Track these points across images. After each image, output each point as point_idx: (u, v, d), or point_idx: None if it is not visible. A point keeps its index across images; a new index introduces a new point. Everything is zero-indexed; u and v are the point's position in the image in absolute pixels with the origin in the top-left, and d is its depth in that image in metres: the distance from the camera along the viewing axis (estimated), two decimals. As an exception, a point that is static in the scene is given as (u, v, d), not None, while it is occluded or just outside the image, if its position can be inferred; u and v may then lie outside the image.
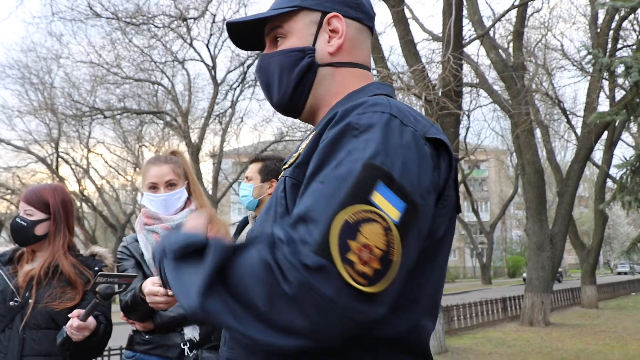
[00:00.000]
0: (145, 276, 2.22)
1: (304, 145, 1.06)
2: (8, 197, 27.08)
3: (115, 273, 2.09)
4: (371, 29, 1.22)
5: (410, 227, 0.88)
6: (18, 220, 2.27)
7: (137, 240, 2.32)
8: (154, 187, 2.30)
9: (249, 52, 19.55)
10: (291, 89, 1.16)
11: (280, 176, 1.10)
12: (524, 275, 18.22)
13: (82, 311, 2.03)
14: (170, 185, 2.31)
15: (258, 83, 1.27)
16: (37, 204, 2.29)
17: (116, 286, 1.99)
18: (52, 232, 2.31)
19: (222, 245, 0.87)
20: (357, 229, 0.84)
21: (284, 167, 1.10)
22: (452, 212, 1.04)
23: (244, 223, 2.78)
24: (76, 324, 2.01)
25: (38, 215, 2.29)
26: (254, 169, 2.70)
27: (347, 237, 0.83)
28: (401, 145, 0.92)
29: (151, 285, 2.00)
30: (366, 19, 1.20)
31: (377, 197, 0.86)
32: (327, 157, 0.93)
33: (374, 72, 9.32)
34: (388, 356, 0.96)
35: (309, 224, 0.85)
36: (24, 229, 2.27)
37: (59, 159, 25.32)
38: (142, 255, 2.28)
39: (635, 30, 16.23)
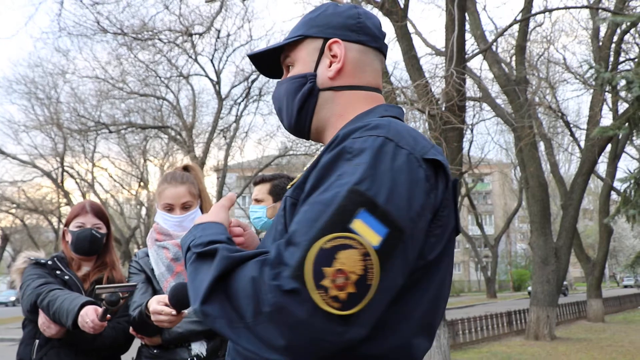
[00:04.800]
0: (155, 291, 2.26)
1: (308, 165, 1.12)
2: (13, 210, 27.18)
3: (112, 285, 2.16)
4: (379, 49, 1.24)
5: (393, 251, 0.92)
6: (95, 232, 2.53)
7: (148, 255, 2.35)
8: (169, 208, 2.34)
9: (253, 67, 19.67)
10: (295, 113, 1.23)
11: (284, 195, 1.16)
12: (529, 288, 18.11)
13: (100, 310, 2.10)
14: (185, 207, 2.34)
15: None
16: (103, 219, 2.58)
17: (120, 294, 2.05)
18: (111, 245, 2.64)
19: (227, 256, 0.95)
20: (332, 256, 0.88)
21: (288, 187, 1.16)
22: (450, 234, 1.06)
23: None
24: (99, 325, 2.08)
25: (104, 229, 2.59)
26: (262, 190, 2.69)
27: (322, 264, 0.88)
28: (391, 170, 0.95)
29: (156, 304, 2.02)
30: (371, 40, 1.22)
31: (357, 224, 0.90)
32: (320, 180, 0.99)
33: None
34: None
35: (291, 247, 0.91)
36: (99, 240, 2.55)
37: (64, 173, 25.45)
38: (152, 270, 2.31)
39: (637, 44, 16.30)
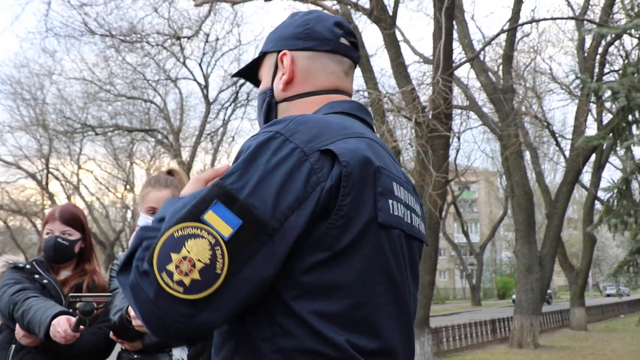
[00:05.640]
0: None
1: None
2: (-4, 212, 26.80)
3: (88, 294, 2.16)
4: (334, 50, 1.23)
5: (249, 243, 0.94)
6: (60, 240, 2.43)
7: None
8: (152, 211, 2.32)
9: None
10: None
11: None
12: (514, 296, 18.26)
13: (73, 320, 2.07)
14: None
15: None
16: (74, 225, 2.48)
17: (95, 304, 2.03)
18: (89, 250, 2.56)
19: (139, 235, 1.00)
20: (181, 243, 0.94)
21: None
22: (367, 225, 1.01)
23: None
24: (71, 336, 2.06)
25: (76, 235, 2.49)
26: None
27: (170, 249, 0.94)
28: (267, 163, 0.97)
29: None
30: (320, 44, 1.22)
31: (209, 215, 0.95)
32: None
33: (365, 93, 9.41)
34: None
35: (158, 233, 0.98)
36: (67, 247, 2.45)
37: (49, 175, 25.20)
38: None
39: (621, 56, 16.53)
